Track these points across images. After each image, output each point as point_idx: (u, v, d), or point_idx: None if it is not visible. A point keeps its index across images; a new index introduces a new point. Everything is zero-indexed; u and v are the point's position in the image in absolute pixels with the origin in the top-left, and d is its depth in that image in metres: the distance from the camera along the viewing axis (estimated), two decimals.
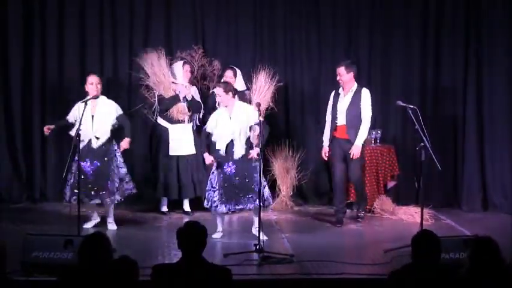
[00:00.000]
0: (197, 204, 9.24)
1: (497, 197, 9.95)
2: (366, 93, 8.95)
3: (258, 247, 7.36)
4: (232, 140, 8.11)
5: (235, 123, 8.09)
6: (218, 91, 8.19)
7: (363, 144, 8.92)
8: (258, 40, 10.16)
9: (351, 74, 8.95)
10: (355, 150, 8.83)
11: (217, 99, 8.34)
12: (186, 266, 4.82)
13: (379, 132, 9.77)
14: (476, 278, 4.75)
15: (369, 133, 9.71)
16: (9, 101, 9.86)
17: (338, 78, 8.95)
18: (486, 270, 4.75)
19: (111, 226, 8.60)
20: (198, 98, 9.45)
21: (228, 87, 8.20)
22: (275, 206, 9.67)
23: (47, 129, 8.45)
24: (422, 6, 10.10)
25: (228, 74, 9.40)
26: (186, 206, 9.43)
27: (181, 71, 9.33)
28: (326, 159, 9.12)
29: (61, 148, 9.47)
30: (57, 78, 9.92)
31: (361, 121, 8.86)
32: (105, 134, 8.41)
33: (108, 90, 9.19)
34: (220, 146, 8.13)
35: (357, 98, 8.89)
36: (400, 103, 8.17)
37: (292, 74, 10.11)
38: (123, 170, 8.52)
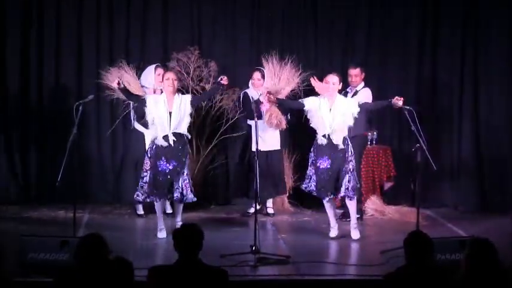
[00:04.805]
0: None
1: (494, 197, 9.95)
2: (363, 91, 8.98)
3: (254, 248, 7.36)
4: (328, 134, 8.13)
5: (335, 116, 8.09)
6: (333, 79, 8.14)
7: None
8: (254, 41, 10.15)
9: (363, 75, 9.06)
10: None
11: (330, 86, 8.15)
12: (182, 268, 4.82)
13: (375, 133, 9.77)
14: (473, 280, 4.75)
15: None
16: (6, 100, 9.84)
17: (351, 79, 8.94)
18: (483, 271, 4.76)
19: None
20: None
21: (341, 78, 8.25)
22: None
23: (117, 83, 8.15)
24: (421, 5, 10.15)
25: (256, 75, 9.32)
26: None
27: (152, 75, 9.04)
28: None
29: (57, 149, 9.44)
30: (54, 79, 9.91)
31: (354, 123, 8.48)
32: (184, 131, 8.24)
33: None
34: (319, 135, 8.17)
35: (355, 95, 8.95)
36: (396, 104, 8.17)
37: None
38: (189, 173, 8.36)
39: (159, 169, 8.15)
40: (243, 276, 6.83)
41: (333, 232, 8.39)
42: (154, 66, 9.15)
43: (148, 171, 8.21)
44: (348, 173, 8.09)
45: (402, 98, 8.05)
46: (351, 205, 8.29)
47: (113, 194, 9.95)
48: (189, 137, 8.51)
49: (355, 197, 8.26)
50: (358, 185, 8.36)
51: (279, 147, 9.40)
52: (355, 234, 8.33)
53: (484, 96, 10.03)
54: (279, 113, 9.20)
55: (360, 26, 10.20)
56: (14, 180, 9.89)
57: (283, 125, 9.27)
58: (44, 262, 6.76)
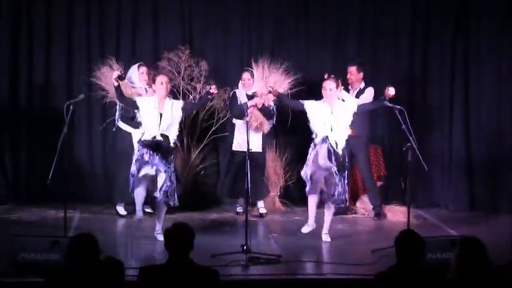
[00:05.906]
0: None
1: (484, 196, 9.97)
2: (368, 90, 9.06)
3: (245, 248, 7.36)
4: (328, 136, 8.02)
5: (337, 119, 8.01)
6: (330, 85, 8.01)
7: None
8: (246, 39, 10.15)
9: (361, 74, 9.07)
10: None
11: (328, 93, 8.02)
12: (173, 267, 4.81)
13: None
14: (463, 278, 4.76)
15: None
16: None
17: (348, 76, 8.95)
18: (473, 270, 4.77)
19: (160, 237, 7.65)
20: None
21: (339, 83, 8.17)
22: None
23: (116, 78, 7.96)
24: (412, 3, 10.17)
25: (246, 76, 9.30)
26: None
27: (136, 73, 9.06)
28: None
29: (48, 148, 9.41)
30: (43, 78, 9.89)
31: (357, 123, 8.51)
32: (173, 136, 8.10)
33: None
34: (318, 138, 8.04)
35: (359, 95, 8.98)
36: (387, 103, 8.18)
37: None
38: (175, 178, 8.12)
39: (145, 160, 7.96)
40: (234, 276, 6.82)
41: (307, 228, 8.28)
42: (137, 64, 9.17)
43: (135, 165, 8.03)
44: (341, 179, 8.02)
45: (392, 88, 8.02)
46: (330, 212, 8.21)
47: (103, 194, 9.92)
48: (178, 144, 8.41)
49: (339, 207, 8.23)
50: (347, 197, 8.20)
51: (261, 150, 9.37)
52: (326, 238, 8.22)
53: (475, 95, 10.04)
54: (260, 116, 9.22)
55: (352, 22, 10.20)
56: (4, 180, 9.85)
57: (264, 129, 9.31)
58: (35, 262, 6.73)
